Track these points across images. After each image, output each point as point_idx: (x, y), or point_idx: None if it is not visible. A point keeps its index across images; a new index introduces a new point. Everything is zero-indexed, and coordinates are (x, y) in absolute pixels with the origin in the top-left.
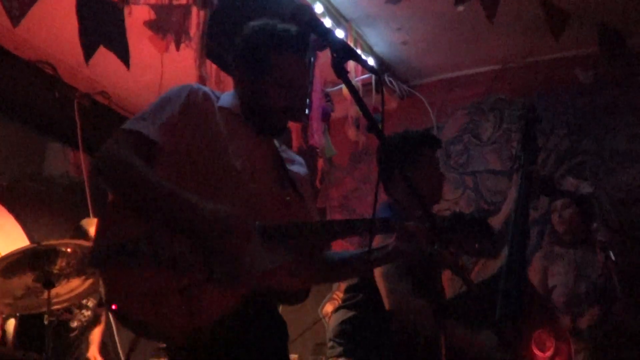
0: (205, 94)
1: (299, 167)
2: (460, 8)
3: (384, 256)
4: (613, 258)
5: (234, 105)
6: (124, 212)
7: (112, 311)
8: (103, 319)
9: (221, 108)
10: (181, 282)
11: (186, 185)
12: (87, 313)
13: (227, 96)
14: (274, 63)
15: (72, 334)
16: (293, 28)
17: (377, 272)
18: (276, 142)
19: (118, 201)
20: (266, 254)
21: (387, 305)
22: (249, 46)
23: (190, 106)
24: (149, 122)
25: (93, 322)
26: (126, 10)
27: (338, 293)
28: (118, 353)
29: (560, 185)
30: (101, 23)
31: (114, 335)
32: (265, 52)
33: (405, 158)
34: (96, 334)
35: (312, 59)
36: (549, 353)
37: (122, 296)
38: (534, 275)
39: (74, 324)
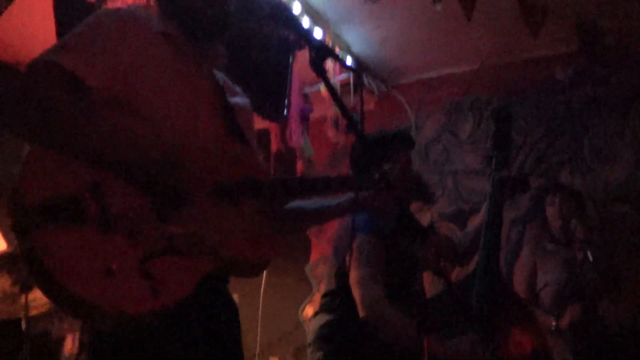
0: (137, 20)
1: (240, 98)
2: (438, 7)
3: (351, 203)
4: (590, 258)
5: (169, 26)
6: (58, 156)
7: (49, 289)
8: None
9: (157, 34)
10: (137, 252)
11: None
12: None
13: (156, 18)
14: None
15: (52, 346)
16: None
17: (352, 278)
18: (216, 73)
19: (47, 144)
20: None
21: (360, 313)
22: None
23: (125, 40)
24: (77, 57)
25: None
26: None
27: (318, 295)
28: None
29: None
30: (79, 23)
31: None
32: None
33: (379, 157)
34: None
35: (290, 59)
36: (526, 352)
37: (63, 269)
38: (520, 271)
39: (54, 335)
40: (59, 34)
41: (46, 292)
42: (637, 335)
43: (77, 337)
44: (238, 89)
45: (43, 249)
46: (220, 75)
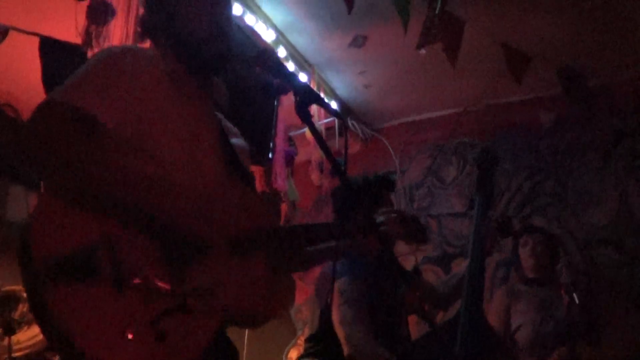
0: (145, 58)
1: (238, 139)
2: (423, 51)
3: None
4: (577, 301)
5: (171, 63)
6: (68, 206)
7: (67, 350)
8: None
9: (162, 73)
10: (151, 310)
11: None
12: None
13: (159, 56)
14: None
15: None
16: None
17: (335, 318)
18: (217, 113)
19: (58, 190)
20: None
21: (345, 350)
22: None
23: (136, 79)
24: (92, 96)
25: None
26: (90, 54)
27: (302, 338)
28: None
29: (528, 223)
30: (64, 66)
31: None
32: None
33: (359, 201)
34: None
35: (275, 103)
36: None
37: (78, 330)
38: (494, 313)
39: None
40: (45, 75)
41: (60, 351)
42: None
43: None
44: (236, 129)
45: (56, 308)
46: (220, 116)
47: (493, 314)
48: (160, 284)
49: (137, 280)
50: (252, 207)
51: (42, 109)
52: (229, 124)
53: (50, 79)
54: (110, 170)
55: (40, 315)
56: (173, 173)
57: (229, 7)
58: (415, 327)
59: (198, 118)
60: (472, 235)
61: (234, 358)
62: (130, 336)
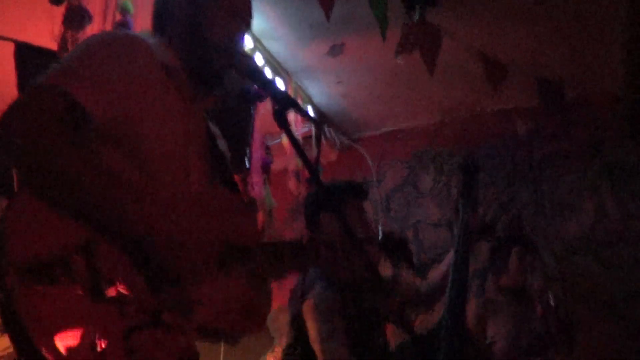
0: (142, 45)
1: (222, 143)
2: (400, 60)
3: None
4: (552, 302)
5: (172, 57)
6: (47, 210)
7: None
8: None
9: (158, 64)
10: (124, 323)
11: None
12: None
13: (156, 45)
14: None
15: None
16: None
17: (311, 336)
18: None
19: (34, 189)
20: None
21: None
22: None
23: (131, 68)
24: (84, 84)
25: None
26: None
27: (279, 347)
28: None
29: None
30: (40, 72)
31: None
32: None
33: (330, 207)
34: None
35: (252, 111)
36: None
37: (46, 338)
38: (468, 322)
39: None
40: (20, 81)
41: (21, 353)
42: None
43: None
44: (219, 132)
45: (25, 310)
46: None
47: (468, 322)
48: (136, 296)
49: (112, 291)
50: (239, 215)
51: (30, 92)
52: (214, 128)
53: (25, 85)
54: (94, 171)
55: (7, 317)
56: (160, 177)
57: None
58: (392, 338)
59: (189, 118)
60: (456, 239)
61: None
62: (98, 348)
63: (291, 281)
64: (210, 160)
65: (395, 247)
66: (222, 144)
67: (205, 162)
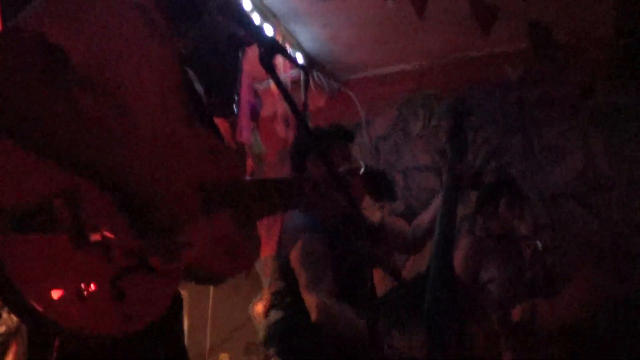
0: None
1: (198, 85)
2: (390, 3)
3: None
4: (540, 247)
5: None
6: (27, 155)
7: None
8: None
9: (133, 5)
10: (110, 268)
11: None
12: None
13: None
14: None
15: None
16: None
17: (301, 282)
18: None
19: (13, 133)
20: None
21: (312, 317)
22: None
23: (108, 9)
24: (62, 25)
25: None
26: None
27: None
28: None
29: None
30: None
31: None
32: None
33: (316, 152)
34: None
35: (240, 56)
36: (478, 349)
37: (31, 285)
38: (459, 262)
39: None
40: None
41: (8, 303)
42: (566, 336)
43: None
44: (193, 75)
45: (8, 259)
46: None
47: (458, 263)
48: (121, 240)
49: (97, 237)
50: (221, 156)
51: (4, 35)
52: (190, 72)
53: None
54: (73, 114)
55: None
56: (138, 120)
57: None
58: (380, 283)
59: (163, 60)
60: (444, 183)
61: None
62: (85, 293)
63: (280, 231)
64: (187, 102)
65: (375, 177)
66: (199, 87)
67: (183, 104)
